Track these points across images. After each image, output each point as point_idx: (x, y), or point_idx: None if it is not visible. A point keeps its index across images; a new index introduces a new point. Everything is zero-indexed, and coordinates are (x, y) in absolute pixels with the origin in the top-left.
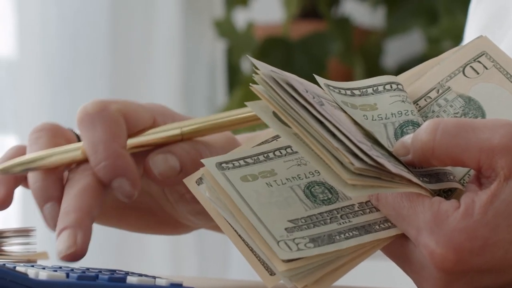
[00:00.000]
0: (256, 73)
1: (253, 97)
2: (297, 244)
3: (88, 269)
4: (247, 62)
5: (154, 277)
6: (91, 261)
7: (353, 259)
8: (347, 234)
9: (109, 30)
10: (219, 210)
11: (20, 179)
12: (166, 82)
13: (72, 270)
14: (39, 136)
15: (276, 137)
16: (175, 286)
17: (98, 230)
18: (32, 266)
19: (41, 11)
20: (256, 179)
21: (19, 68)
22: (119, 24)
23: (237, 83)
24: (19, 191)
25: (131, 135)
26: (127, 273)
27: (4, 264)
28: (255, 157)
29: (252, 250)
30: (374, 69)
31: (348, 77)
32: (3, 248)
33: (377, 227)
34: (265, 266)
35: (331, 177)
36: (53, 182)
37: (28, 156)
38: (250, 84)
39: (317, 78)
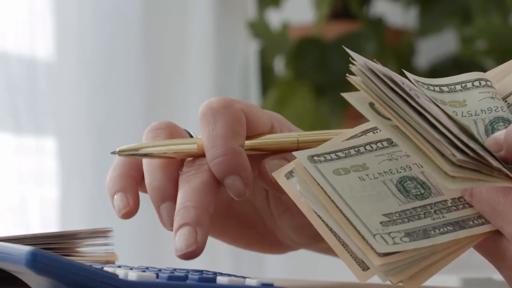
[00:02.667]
0: (353, 64)
1: (286, 98)
2: (393, 238)
3: (175, 269)
4: (281, 63)
5: (244, 277)
6: (123, 257)
7: (448, 255)
8: (441, 230)
9: (143, 32)
10: (310, 204)
11: (140, 182)
12: (199, 82)
13: (160, 270)
14: (157, 134)
15: (366, 132)
16: (266, 286)
17: (132, 226)
18: (119, 267)
19: (78, 14)
20: (348, 172)
21: (58, 70)
22: (153, 26)
23: (271, 84)
24: (56, 196)
25: (249, 137)
26: (215, 273)
27: (91, 265)
28: (346, 151)
29: (344, 245)
30: (406, 69)
31: None
32: (78, 249)
33: (471, 223)
34: (357, 261)
35: (431, 168)
36: (170, 181)
37: (146, 142)
38: (347, 75)
39: (407, 73)
